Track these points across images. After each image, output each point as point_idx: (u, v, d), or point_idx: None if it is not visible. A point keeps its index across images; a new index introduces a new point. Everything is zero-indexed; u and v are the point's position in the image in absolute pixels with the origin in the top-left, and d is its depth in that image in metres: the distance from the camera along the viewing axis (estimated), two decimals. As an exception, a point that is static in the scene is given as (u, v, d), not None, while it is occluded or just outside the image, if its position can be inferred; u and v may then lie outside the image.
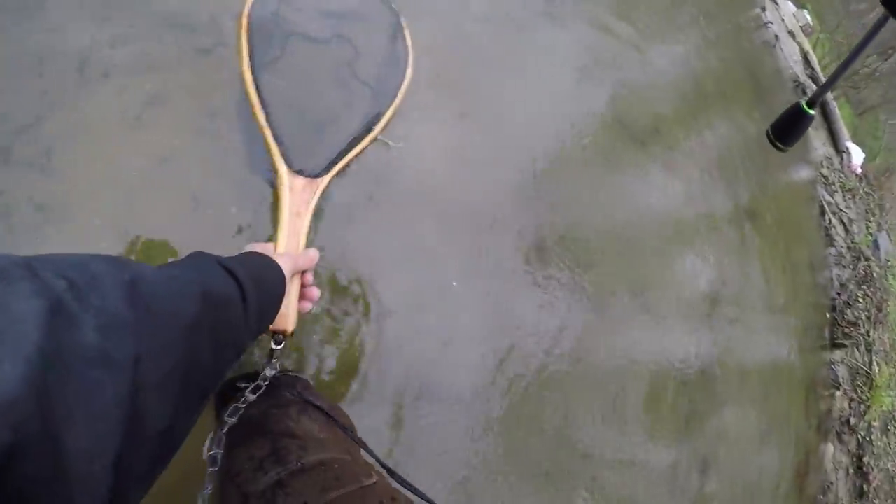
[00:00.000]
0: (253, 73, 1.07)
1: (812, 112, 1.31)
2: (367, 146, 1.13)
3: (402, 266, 1.44)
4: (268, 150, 1.03)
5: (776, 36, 5.04)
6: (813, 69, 5.92)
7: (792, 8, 8.24)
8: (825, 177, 4.45)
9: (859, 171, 5.51)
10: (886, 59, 11.67)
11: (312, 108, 1.18)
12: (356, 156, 1.11)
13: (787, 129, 1.35)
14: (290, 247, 0.94)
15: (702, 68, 2.82)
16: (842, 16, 12.63)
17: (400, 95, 1.20)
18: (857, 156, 5.53)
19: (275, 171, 1.02)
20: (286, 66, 1.18)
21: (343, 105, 1.23)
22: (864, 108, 12.48)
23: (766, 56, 4.51)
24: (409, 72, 1.23)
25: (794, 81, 4.86)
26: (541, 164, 1.83)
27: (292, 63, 1.20)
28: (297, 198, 0.99)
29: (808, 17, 9.37)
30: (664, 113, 2.34)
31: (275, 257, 0.80)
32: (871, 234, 4.86)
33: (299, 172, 1.02)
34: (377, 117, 1.17)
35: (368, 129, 1.15)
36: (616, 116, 2.11)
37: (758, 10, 5.00)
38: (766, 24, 5.00)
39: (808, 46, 7.13)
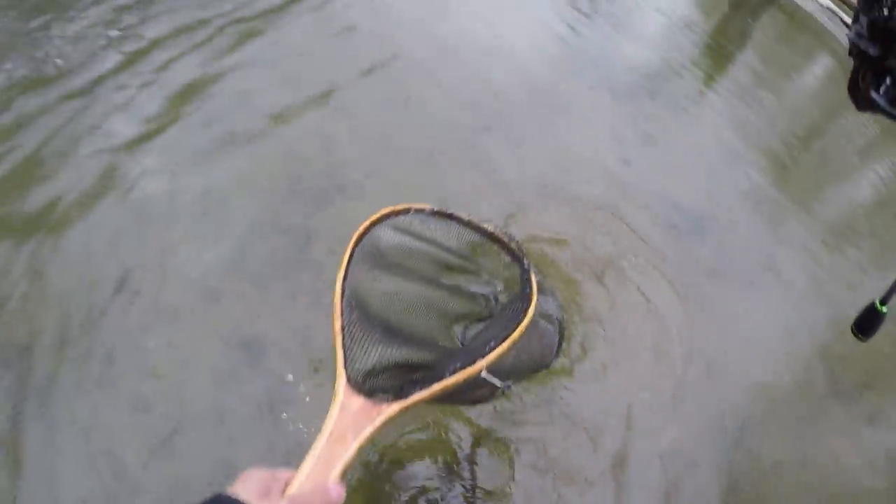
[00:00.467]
0: (345, 277, 1.05)
1: (884, 310, 1.41)
2: (461, 381, 0.96)
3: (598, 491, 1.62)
4: (334, 358, 0.93)
5: None
6: None
7: None
8: None
9: None
10: None
11: (407, 330, 1.14)
12: (443, 389, 0.94)
13: (865, 326, 1.44)
14: (314, 477, 0.76)
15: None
16: None
17: (514, 334, 1.05)
18: None
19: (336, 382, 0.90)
20: (393, 284, 1.16)
21: (444, 336, 1.19)
22: None
23: None
24: (525, 319, 1.10)
25: None
26: (743, 410, 1.93)
27: (402, 282, 1.18)
28: (348, 419, 0.84)
29: None
30: (880, 362, 2.27)
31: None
32: None
33: (361, 391, 0.89)
34: (483, 353, 1.00)
35: (467, 364, 0.98)
36: (825, 367, 2.14)
37: None
38: None
39: None
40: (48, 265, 1.68)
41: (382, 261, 1.18)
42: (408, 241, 1.22)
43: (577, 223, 2.20)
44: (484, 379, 1.04)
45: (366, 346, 0.99)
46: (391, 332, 1.09)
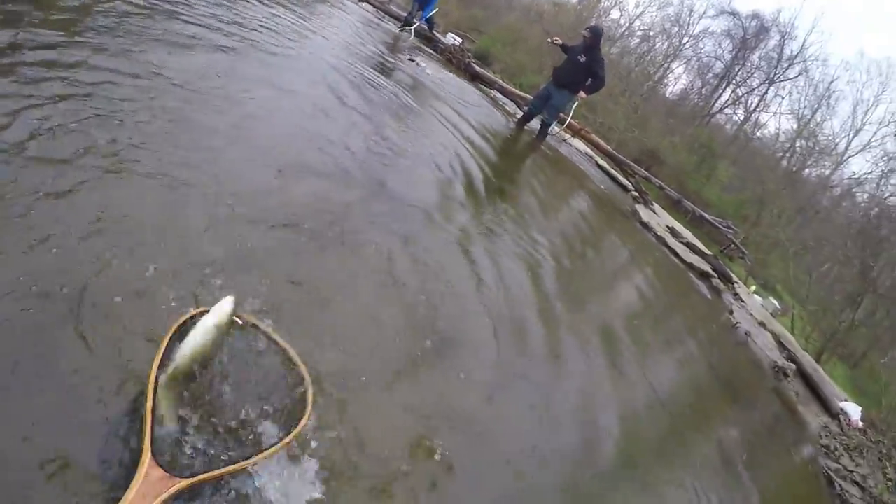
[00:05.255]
0: (159, 365, 1.17)
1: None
2: (235, 471, 1.16)
3: None
4: (142, 433, 1.09)
5: (747, 333, 5.74)
6: (789, 350, 6.64)
7: (758, 300, 9.60)
8: (825, 446, 4.61)
9: (860, 424, 5.71)
10: (857, 307, 12.87)
11: (204, 419, 1.23)
12: (222, 475, 1.15)
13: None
14: None
15: (672, 393, 3.05)
16: (808, 285, 14.43)
17: (286, 440, 1.23)
18: (854, 412, 5.78)
19: (141, 452, 1.07)
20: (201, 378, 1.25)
21: (233, 428, 1.27)
22: (856, 358, 13.32)
23: (740, 355, 5.15)
24: (303, 420, 1.28)
25: (773, 367, 5.49)
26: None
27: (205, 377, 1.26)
28: (149, 486, 1.01)
29: (775, 301, 10.86)
30: (646, 442, 2.46)
31: None
32: (889, 479, 4.84)
33: (161, 465, 1.05)
34: (258, 450, 1.20)
35: (246, 457, 1.18)
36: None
37: (727, 316, 5.74)
38: (735, 325, 5.67)
39: (780, 329, 8.18)
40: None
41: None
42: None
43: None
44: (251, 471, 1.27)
45: (174, 431, 1.17)
46: (195, 422, 1.23)
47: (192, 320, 1.29)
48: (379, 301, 2.00)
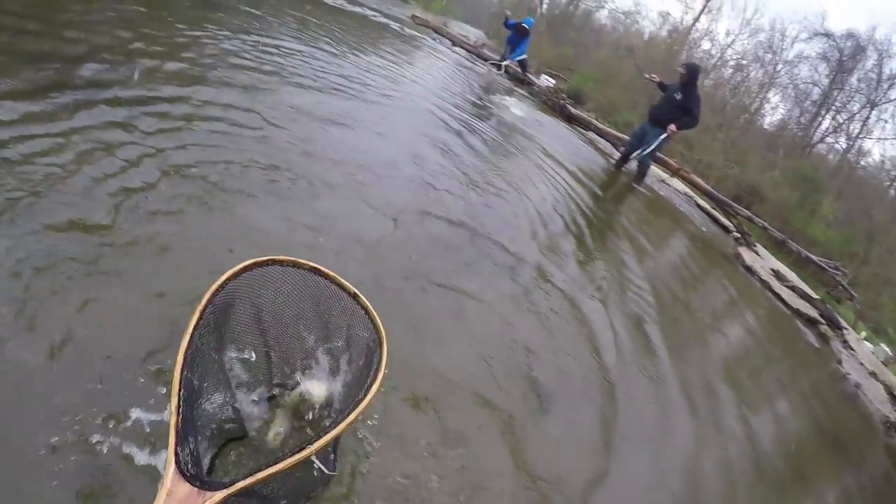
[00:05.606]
0: (186, 353, 0.98)
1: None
2: (289, 467, 0.94)
3: None
4: (168, 439, 0.90)
5: (857, 384, 5.46)
6: (902, 403, 6.42)
7: (869, 347, 8.98)
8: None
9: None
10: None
11: (242, 415, 1.10)
12: (268, 477, 0.92)
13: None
14: None
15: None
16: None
17: (344, 423, 1.01)
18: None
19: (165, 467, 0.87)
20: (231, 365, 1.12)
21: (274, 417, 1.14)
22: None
23: (848, 408, 4.92)
24: (365, 401, 1.06)
25: (885, 423, 5.15)
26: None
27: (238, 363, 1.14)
28: None
29: (887, 348, 10.13)
30: None
31: None
32: None
33: (188, 478, 0.87)
34: (315, 438, 0.99)
35: (299, 449, 0.96)
36: None
37: (835, 366, 5.54)
38: (844, 376, 5.40)
39: (893, 380, 7.64)
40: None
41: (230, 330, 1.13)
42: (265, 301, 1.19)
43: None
44: (312, 463, 1.05)
45: (200, 429, 0.98)
46: (228, 421, 1.08)
47: (223, 286, 1.12)
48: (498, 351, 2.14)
